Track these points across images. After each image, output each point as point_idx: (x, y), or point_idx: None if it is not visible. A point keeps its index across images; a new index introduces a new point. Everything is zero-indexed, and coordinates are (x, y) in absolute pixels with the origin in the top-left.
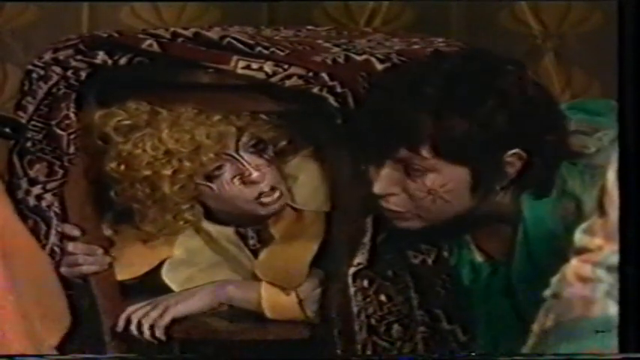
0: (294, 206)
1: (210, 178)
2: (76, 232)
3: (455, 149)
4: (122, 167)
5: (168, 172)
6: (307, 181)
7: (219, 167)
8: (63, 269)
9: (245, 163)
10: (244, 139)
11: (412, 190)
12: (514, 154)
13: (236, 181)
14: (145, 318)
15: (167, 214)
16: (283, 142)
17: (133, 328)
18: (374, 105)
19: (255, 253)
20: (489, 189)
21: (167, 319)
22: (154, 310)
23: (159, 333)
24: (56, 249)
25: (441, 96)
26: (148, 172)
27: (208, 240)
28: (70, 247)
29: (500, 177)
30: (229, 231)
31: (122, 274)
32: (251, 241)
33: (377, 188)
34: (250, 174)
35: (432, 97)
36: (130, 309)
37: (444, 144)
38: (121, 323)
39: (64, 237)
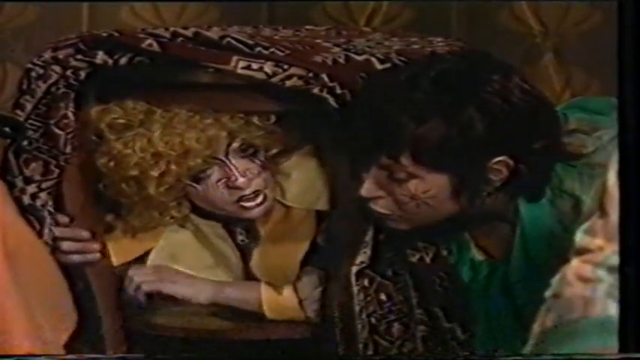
0: (285, 203)
1: (196, 179)
2: (65, 221)
3: (434, 157)
4: (111, 164)
5: (155, 173)
6: (300, 179)
7: (207, 170)
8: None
9: (232, 168)
10: (235, 144)
11: (397, 195)
12: (500, 161)
13: (220, 184)
14: (139, 275)
15: (153, 211)
16: (275, 150)
17: (127, 282)
18: (362, 109)
19: (242, 249)
20: (474, 195)
21: (155, 287)
22: (151, 275)
23: (140, 293)
24: (49, 248)
25: (426, 102)
26: (135, 173)
27: (196, 233)
28: (57, 232)
29: (485, 183)
30: (217, 225)
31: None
32: (239, 237)
33: (363, 191)
34: (236, 179)
35: (417, 103)
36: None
37: (423, 152)
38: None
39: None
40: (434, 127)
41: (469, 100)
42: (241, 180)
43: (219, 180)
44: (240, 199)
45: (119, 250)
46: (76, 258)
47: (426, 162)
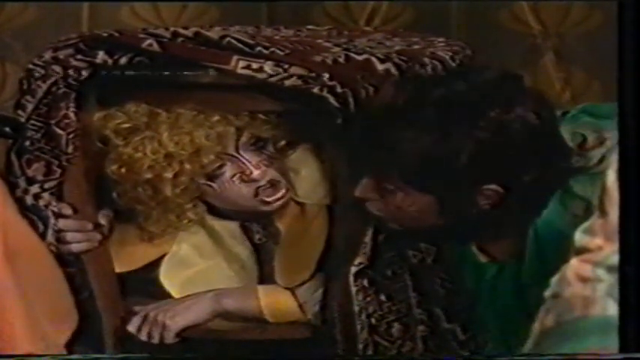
0: (297, 199)
1: (211, 177)
2: (67, 211)
3: (420, 178)
4: (123, 170)
5: (169, 174)
6: (309, 175)
7: (220, 167)
8: (53, 248)
9: (245, 162)
10: (244, 138)
11: (387, 199)
12: (489, 189)
13: (236, 179)
14: (142, 333)
15: (171, 214)
16: (283, 142)
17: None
18: (362, 121)
19: (259, 250)
20: (458, 214)
21: (167, 335)
22: (154, 328)
23: (155, 340)
24: (53, 249)
25: (422, 126)
26: (149, 176)
27: (211, 235)
28: (60, 223)
29: (471, 206)
30: (234, 225)
31: (120, 267)
32: (257, 236)
33: (357, 192)
34: (251, 172)
35: (413, 125)
36: (131, 326)
37: (411, 172)
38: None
39: (57, 216)
40: (424, 150)
41: (462, 131)
42: (256, 172)
43: (233, 175)
44: (257, 190)
45: (130, 256)
46: (75, 248)
47: (412, 182)
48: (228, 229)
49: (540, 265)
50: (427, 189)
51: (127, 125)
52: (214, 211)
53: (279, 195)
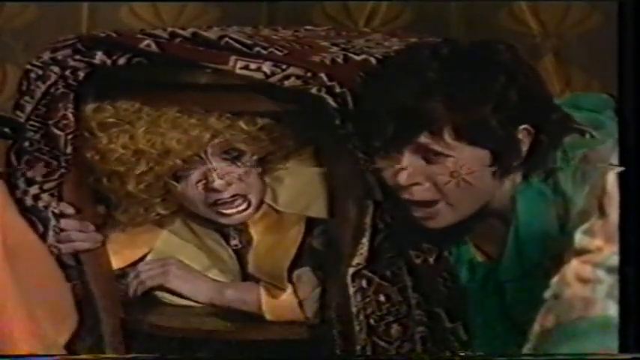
0: (277, 208)
1: (177, 177)
2: (69, 211)
3: (475, 132)
4: (97, 157)
5: (135, 170)
6: (292, 185)
7: (188, 169)
8: (54, 249)
9: (212, 170)
10: (217, 145)
11: (435, 176)
12: (524, 129)
13: (200, 185)
14: (146, 271)
15: (138, 207)
16: (270, 156)
17: (131, 276)
18: (377, 96)
19: (237, 254)
20: (507, 168)
21: (158, 282)
22: (158, 268)
23: (140, 290)
24: (54, 250)
25: (446, 79)
26: (116, 168)
27: (192, 237)
28: (62, 223)
29: (516, 155)
30: (211, 229)
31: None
32: (233, 242)
33: (402, 179)
34: (213, 181)
35: (436, 81)
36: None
37: (463, 128)
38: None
39: (59, 216)
40: (470, 102)
41: (497, 68)
42: (218, 182)
43: (199, 181)
44: (216, 202)
45: (117, 255)
46: (77, 246)
47: (468, 137)
48: (206, 232)
49: (519, 263)
50: (482, 140)
51: (111, 120)
52: (192, 215)
53: (240, 208)
